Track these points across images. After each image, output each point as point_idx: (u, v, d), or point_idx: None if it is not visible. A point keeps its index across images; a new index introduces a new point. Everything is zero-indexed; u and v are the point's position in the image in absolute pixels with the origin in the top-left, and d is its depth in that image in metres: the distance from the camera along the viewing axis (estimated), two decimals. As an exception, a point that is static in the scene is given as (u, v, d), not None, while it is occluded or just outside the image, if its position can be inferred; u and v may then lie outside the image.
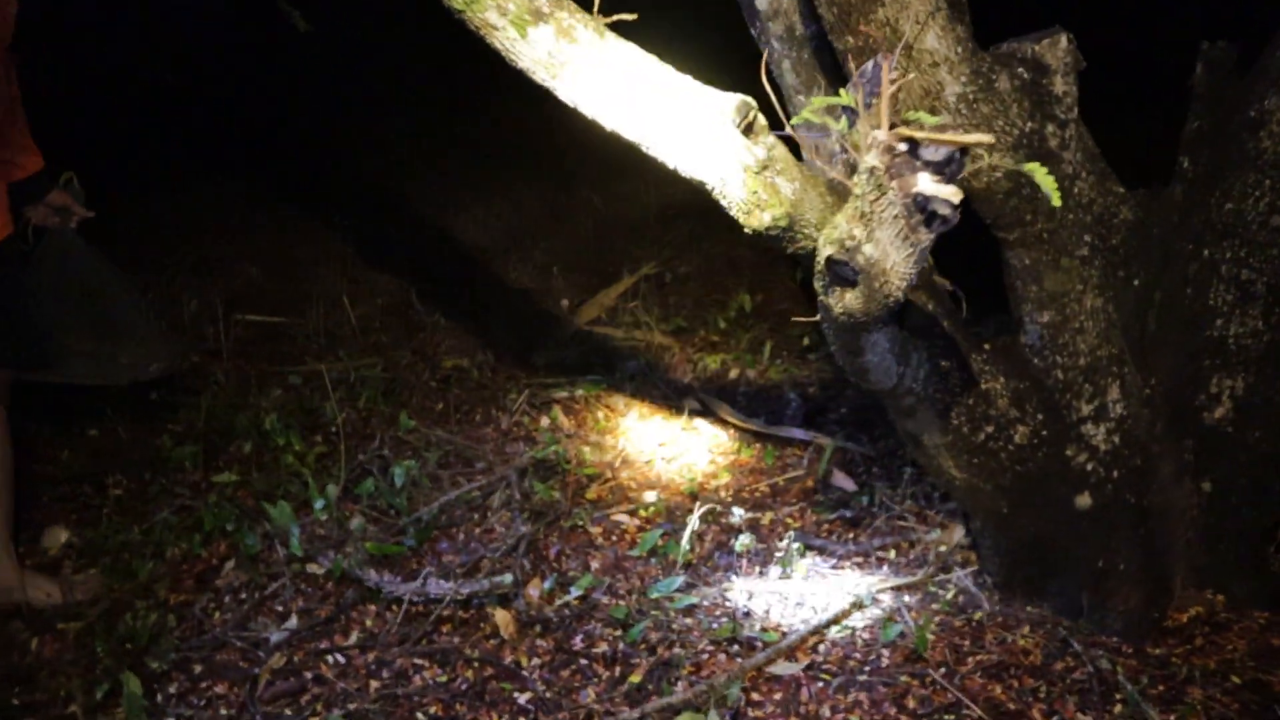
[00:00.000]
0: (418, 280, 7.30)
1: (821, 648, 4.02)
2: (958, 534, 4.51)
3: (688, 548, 4.71)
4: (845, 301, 2.58)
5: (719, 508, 5.07)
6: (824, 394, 6.17)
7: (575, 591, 4.50)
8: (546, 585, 4.56)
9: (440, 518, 5.03)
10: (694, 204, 9.23)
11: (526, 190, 8.71)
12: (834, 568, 4.56)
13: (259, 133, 9.31)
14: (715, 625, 4.19)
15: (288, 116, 9.68)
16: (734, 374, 6.50)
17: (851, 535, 4.78)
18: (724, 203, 2.70)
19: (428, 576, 4.50)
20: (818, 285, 2.71)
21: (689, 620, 4.26)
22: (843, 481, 5.21)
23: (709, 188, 2.68)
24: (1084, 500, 3.89)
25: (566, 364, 6.55)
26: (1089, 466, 3.86)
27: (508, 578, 4.33)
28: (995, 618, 4.08)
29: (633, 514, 5.15)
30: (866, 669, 3.87)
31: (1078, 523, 3.90)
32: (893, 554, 4.59)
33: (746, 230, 2.75)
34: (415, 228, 8.19)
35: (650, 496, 5.28)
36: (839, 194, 2.76)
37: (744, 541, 4.72)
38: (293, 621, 4.38)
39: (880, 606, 4.24)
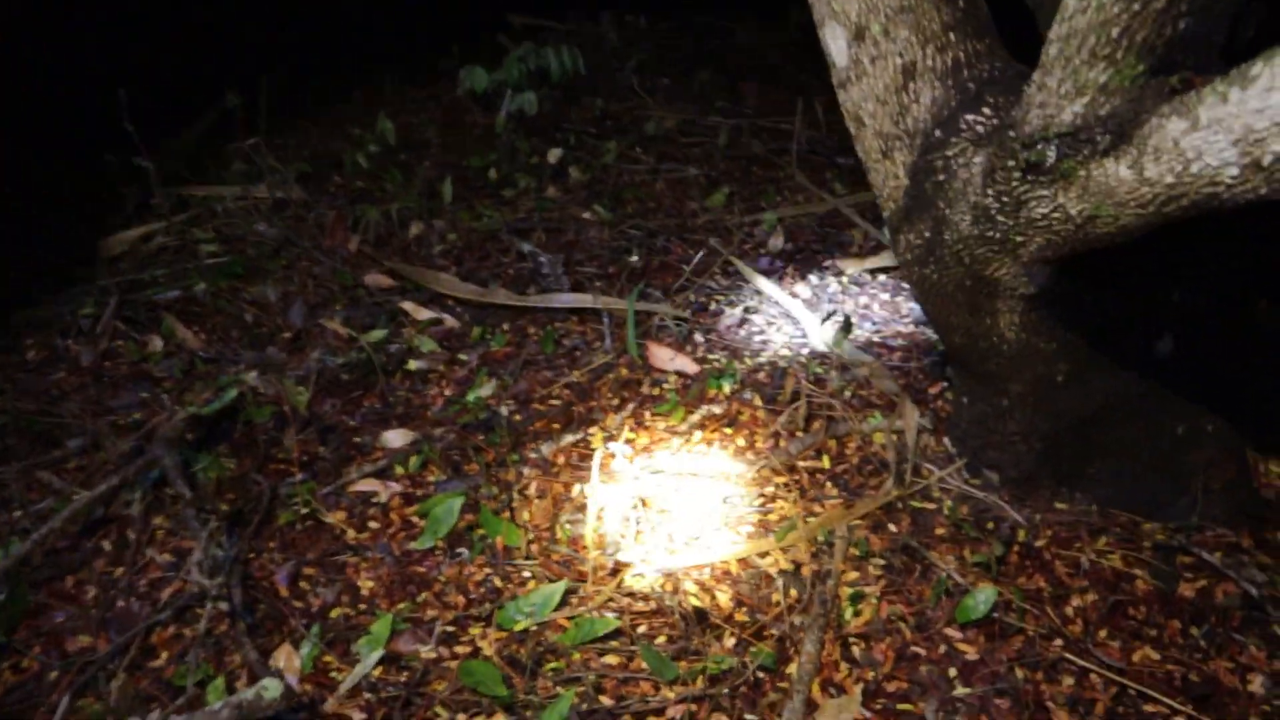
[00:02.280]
0: None
1: (857, 652, 2.32)
2: (912, 416, 2.96)
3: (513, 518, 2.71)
4: None
5: (519, 438, 3.07)
6: (558, 242, 4.24)
7: (369, 654, 2.34)
8: (304, 653, 2.34)
9: (35, 566, 2.49)
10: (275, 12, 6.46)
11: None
12: (758, 502, 2.82)
13: None
14: (672, 656, 2.30)
15: None
16: (415, 230, 4.32)
17: (744, 442, 3.04)
18: None
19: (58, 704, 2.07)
20: None
21: (614, 660, 2.33)
22: (677, 362, 3.41)
23: None
24: (1165, 344, 2.52)
25: (162, 248, 3.93)
26: (1174, 296, 2.48)
27: (270, 689, 2.04)
28: (1041, 532, 2.64)
29: (384, 475, 2.97)
30: (954, 672, 2.25)
31: (1156, 376, 2.53)
32: (826, 461, 2.95)
33: None
34: None
35: (395, 439, 3.11)
36: None
37: (603, 493, 2.82)
38: None
39: (879, 555, 2.61)
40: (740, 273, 3.94)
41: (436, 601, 2.54)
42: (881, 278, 3.91)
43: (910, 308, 3.69)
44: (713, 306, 3.77)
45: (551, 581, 2.52)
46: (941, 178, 2.15)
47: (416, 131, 5.08)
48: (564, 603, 2.45)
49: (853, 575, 2.53)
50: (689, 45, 6.12)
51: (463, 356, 3.54)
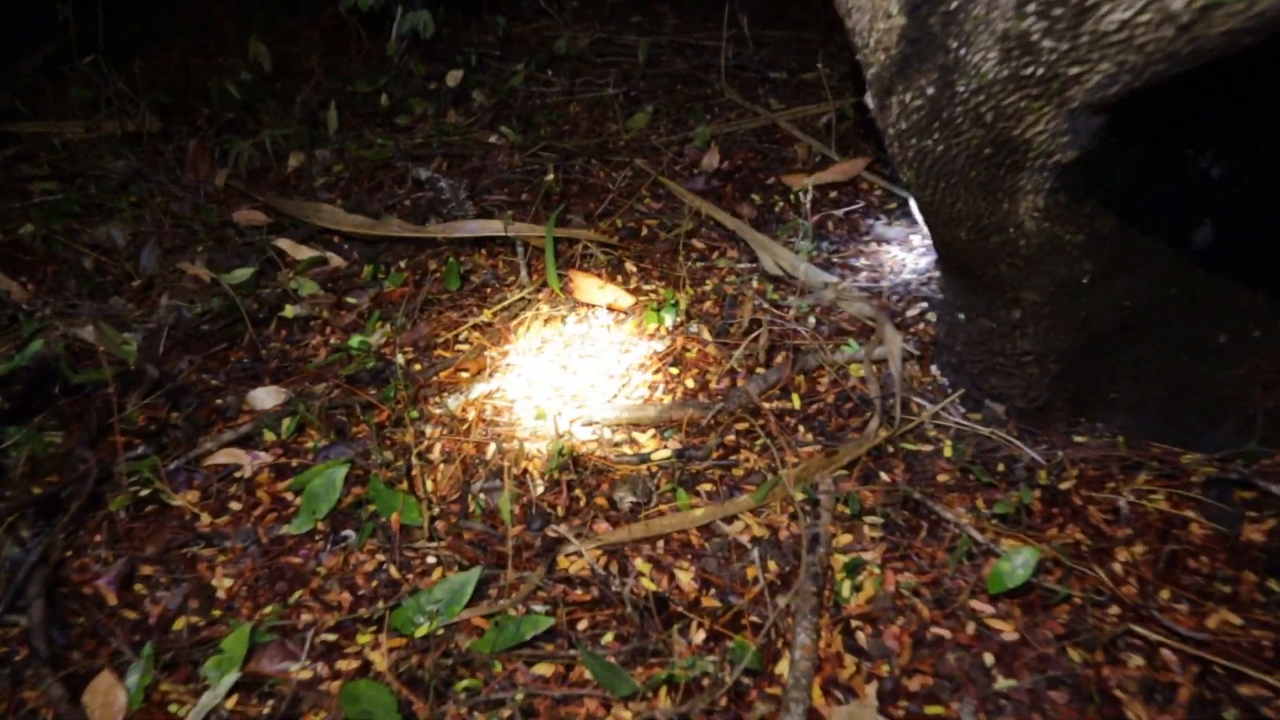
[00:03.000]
0: None
1: (863, 639, 1.75)
2: (895, 341, 2.39)
3: (426, 488, 2.08)
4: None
5: (420, 391, 2.43)
6: (462, 168, 3.57)
7: (220, 679, 1.70)
8: (131, 681, 1.69)
9: None
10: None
11: None
12: (718, 454, 2.23)
13: None
14: (625, 662, 1.70)
15: None
16: (295, 162, 3.61)
17: (695, 383, 2.44)
18: None
19: None
20: None
21: (547, 671, 1.72)
22: (607, 294, 2.80)
23: None
24: (1204, 233, 1.98)
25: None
26: (1214, 172, 1.94)
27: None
28: (1066, 473, 2.10)
29: (249, 442, 2.31)
30: (991, 659, 1.69)
31: (1194, 273, 2.00)
32: (796, 400, 2.37)
33: None
34: None
35: (265, 398, 2.45)
36: None
37: (525, 452, 2.20)
38: None
39: (875, 511, 2.04)
40: (673, 194, 3.33)
41: (314, 601, 1.90)
42: (833, 194, 3.33)
43: (869, 224, 3.12)
44: (645, 231, 3.15)
45: (463, 568, 1.90)
46: (954, 5, 1.56)
47: (295, 58, 4.33)
48: (479, 595, 1.83)
49: (845, 539, 1.96)
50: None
51: (351, 299, 2.87)
